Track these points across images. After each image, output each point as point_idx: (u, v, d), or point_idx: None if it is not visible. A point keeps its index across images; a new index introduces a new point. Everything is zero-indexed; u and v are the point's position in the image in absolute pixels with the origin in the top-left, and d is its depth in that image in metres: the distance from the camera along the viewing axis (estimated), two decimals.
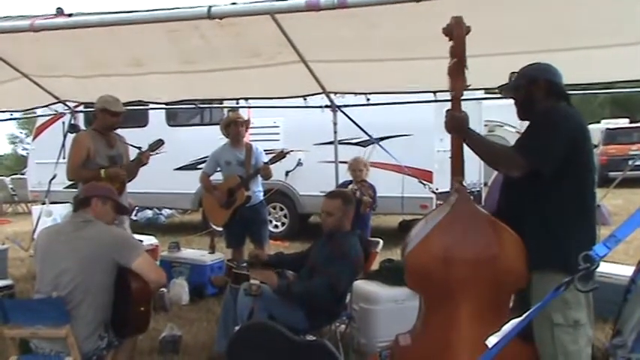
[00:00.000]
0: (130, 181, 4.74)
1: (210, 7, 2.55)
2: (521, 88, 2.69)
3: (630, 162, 10.59)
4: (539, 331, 2.52)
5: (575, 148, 2.47)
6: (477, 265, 2.52)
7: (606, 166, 14.12)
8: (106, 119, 4.55)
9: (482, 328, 2.42)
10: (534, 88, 2.64)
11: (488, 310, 2.52)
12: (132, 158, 4.76)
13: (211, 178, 5.60)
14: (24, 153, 31.42)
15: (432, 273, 2.57)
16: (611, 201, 9.39)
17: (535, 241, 2.49)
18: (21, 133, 37.12)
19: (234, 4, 2.58)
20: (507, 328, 1.45)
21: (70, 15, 2.78)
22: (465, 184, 2.69)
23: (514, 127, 12.94)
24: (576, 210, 2.51)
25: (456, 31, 2.47)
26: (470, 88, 2.62)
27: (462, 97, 2.61)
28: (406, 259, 2.67)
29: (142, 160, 4.65)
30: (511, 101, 2.79)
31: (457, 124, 2.62)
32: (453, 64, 2.52)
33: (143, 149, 4.70)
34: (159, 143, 4.74)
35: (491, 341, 1.42)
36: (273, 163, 5.34)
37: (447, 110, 2.64)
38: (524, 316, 1.50)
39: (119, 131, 4.76)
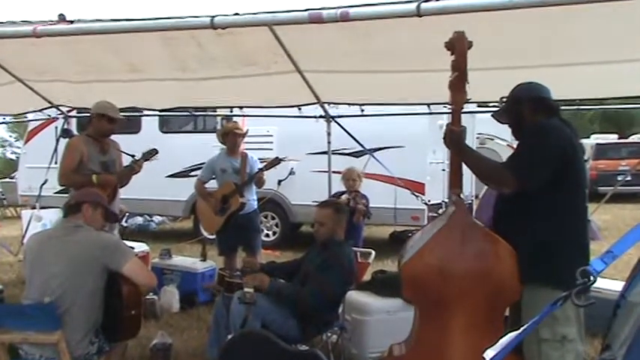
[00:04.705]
0: (121, 187, 4.73)
1: (212, 17, 2.54)
2: (509, 110, 2.78)
3: (620, 177, 10.71)
4: (527, 346, 2.51)
5: (563, 163, 2.50)
6: (473, 278, 2.53)
7: (596, 181, 14.24)
8: (103, 125, 4.53)
9: (475, 340, 2.45)
10: (521, 108, 2.71)
11: (482, 322, 2.53)
12: (125, 164, 4.74)
13: (206, 186, 5.61)
14: (13, 157, 31.14)
15: (427, 284, 2.59)
16: (600, 216, 9.46)
17: (526, 255, 2.49)
18: (10, 136, 36.77)
19: (236, 14, 2.57)
20: (504, 341, 1.46)
21: (71, 22, 2.77)
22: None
23: (505, 140, 13.07)
24: (567, 224, 2.53)
25: (459, 46, 2.49)
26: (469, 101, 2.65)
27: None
28: (402, 269, 2.68)
29: (134, 168, 4.62)
30: None
31: (453, 139, 2.65)
32: (455, 78, 2.54)
33: (137, 157, 4.68)
34: (153, 152, 4.73)
35: (489, 354, 1.43)
36: (268, 169, 5.39)
37: (448, 124, 2.67)
38: (521, 329, 1.51)
39: (113, 137, 4.75)
